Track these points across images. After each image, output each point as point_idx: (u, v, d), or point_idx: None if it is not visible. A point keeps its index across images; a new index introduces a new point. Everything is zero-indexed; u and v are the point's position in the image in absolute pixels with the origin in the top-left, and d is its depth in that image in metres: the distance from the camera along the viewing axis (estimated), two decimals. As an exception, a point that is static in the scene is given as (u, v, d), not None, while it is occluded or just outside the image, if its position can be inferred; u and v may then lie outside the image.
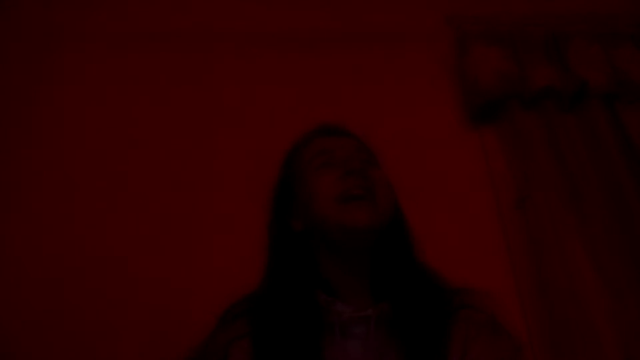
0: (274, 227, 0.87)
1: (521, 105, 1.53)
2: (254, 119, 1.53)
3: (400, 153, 0.92)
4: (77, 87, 1.55)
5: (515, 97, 1.52)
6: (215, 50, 1.64)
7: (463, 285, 0.82)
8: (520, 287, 1.34)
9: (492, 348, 0.73)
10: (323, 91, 1.59)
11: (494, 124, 1.57)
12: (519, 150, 1.48)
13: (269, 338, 0.74)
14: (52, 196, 1.37)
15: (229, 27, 1.69)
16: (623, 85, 1.54)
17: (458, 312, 0.77)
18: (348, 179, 0.78)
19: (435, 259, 0.84)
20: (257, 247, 0.87)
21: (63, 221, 1.34)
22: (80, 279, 1.26)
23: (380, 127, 0.93)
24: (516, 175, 1.47)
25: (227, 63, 1.62)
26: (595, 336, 1.23)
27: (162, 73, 1.59)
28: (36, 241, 1.31)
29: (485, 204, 1.46)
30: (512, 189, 1.47)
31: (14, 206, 1.36)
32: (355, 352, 0.74)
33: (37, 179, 1.40)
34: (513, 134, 1.51)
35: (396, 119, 1.54)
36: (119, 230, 1.34)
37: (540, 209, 1.39)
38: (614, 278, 1.31)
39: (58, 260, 1.28)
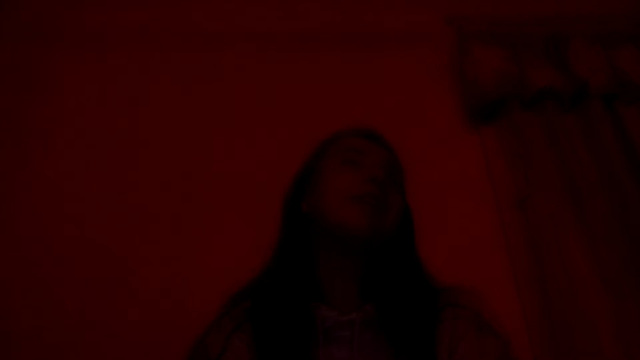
0: (288, 206, 0.88)
1: (521, 106, 1.53)
2: (254, 119, 1.53)
3: (400, 153, 0.92)
4: (77, 88, 1.55)
5: (515, 97, 1.52)
6: (217, 51, 1.64)
7: (458, 284, 0.82)
8: (520, 287, 1.34)
9: (479, 345, 0.74)
10: (322, 91, 1.59)
11: (494, 124, 1.57)
12: (519, 150, 1.48)
13: (264, 337, 0.75)
14: (52, 196, 1.37)
15: (231, 27, 1.69)
16: (623, 86, 1.54)
17: (444, 310, 0.77)
18: (369, 184, 0.78)
19: (435, 258, 0.84)
20: (257, 246, 0.88)
21: (63, 221, 1.34)
22: (79, 279, 1.26)
23: (380, 126, 0.93)
24: (516, 175, 1.47)
25: (227, 63, 1.62)
26: (595, 336, 1.23)
27: (163, 73, 1.59)
28: (36, 241, 1.31)
29: (485, 204, 1.46)
30: (512, 189, 1.47)
31: (14, 206, 1.36)
32: (341, 355, 0.74)
33: (36, 179, 1.40)
34: (513, 134, 1.50)
35: (396, 118, 1.54)
36: (119, 230, 1.34)
37: (540, 209, 1.39)
38: (614, 278, 1.31)
39: (57, 260, 1.29)
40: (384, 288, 0.78)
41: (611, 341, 1.23)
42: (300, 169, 0.91)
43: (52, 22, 1.63)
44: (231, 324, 0.79)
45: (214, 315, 0.83)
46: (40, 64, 1.57)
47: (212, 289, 0.86)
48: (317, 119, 0.95)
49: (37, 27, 1.62)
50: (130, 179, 1.41)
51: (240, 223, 1.32)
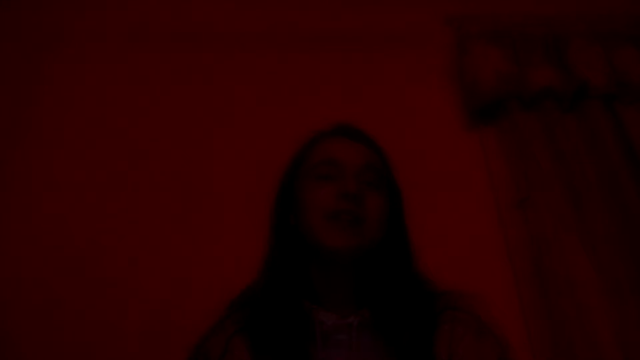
0: (274, 217, 0.88)
1: (521, 106, 1.53)
2: (252, 120, 1.53)
3: (400, 153, 0.92)
4: (77, 87, 1.55)
5: (515, 97, 1.52)
6: (217, 51, 1.64)
7: (458, 287, 0.82)
8: (520, 287, 1.34)
9: (478, 348, 0.74)
10: (322, 91, 1.59)
11: (494, 124, 1.57)
12: (518, 150, 1.48)
13: (261, 340, 0.75)
14: (52, 196, 1.37)
15: (231, 27, 1.69)
16: (623, 86, 1.54)
17: (443, 313, 0.77)
18: (342, 201, 0.77)
19: (434, 259, 0.84)
20: (256, 248, 0.88)
21: (62, 221, 1.34)
22: (80, 280, 1.26)
23: (380, 127, 0.93)
24: (516, 175, 1.47)
25: (227, 63, 1.62)
26: (594, 336, 1.23)
27: (163, 73, 1.59)
28: (36, 241, 1.31)
29: (485, 204, 1.46)
30: (512, 189, 1.47)
31: (14, 206, 1.36)
32: (339, 358, 0.74)
33: (36, 179, 1.40)
34: (513, 134, 1.50)
35: (396, 119, 1.54)
36: (119, 231, 1.34)
37: (540, 209, 1.39)
38: (614, 278, 1.31)
39: (57, 260, 1.29)
40: (377, 292, 0.78)
41: (611, 341, 1.23)
42: (282, 179, 0.90)
43: (52, 22, 1.63)
44: (232, 327, 0.79)
45: (215, 317, 0.83)
46: (40, 63, 1.57)
47: (214, 291, 0.86)
48: (317, 120, 0.94)
49: (37, 27, 1.62)
50: (131, 179, 1.41)
51: (243, 225, 1.31)
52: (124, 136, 1.48)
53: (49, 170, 1.41)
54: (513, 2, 1.72)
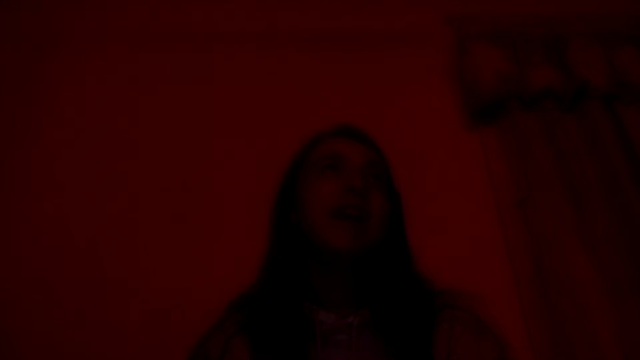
0: (274, 216, 0.88)
1: (521, 106, 1.53)
2: (252, 120, 1.53)
3: (399, 153, 0.92)
4: (77, 87, 1.55)
5: (515, 97, 1.52)
6: (215, 50, 1.64)
7: (457, 286, 0.82)
8: (520, 287, 1.34)
9: (477, 347, 0.74)
10: (322, 91, 1.59)
11: (493, 124, 1.57)
12: (518, 150, 1.48)
13: (261, 341, 0.75)
14: (52, 196, 1.37)
15: (232, 27, 1.69)
16: (623, 86, 1.54)
17: (442, 312, 0.77)
18: (348, 195, 0.77)
19: (434, 259, 0.84)
20: (256, 248, 0.88)
21: (62, 222, 1.34)
22: (80, 280, 1.26)
23: (379, 127, 0.93)
24: (516, 175, 1.47)
25: (226, 63, 1.62)
26: (594, 336, 1.23)
27: (162, 73, 1.59)
28: (35, 242, 1.31)
29: (485, 204, 1.47)
30: (512, 189, 1.47)
31: (14, 206, 1.36)
32: (339, 358, 0.74)
33: (36, 179, 1.40)
34: (513, 134, 1.50)
35: (396, 119, 1.54)
36: (119, 231, 1.34)
37: (540, 209, 1.39)
38: (614, 278, 1.31)
39: (57, 260, 1.29)
40: (377, 291, 0.78)
41: (611, 341, 1.23)
42: (283, 178, 0.90)
43: (52, 22, 1.63)
44: (231, 328, 0.79)
45: (214, 316, 0.83)
46: (40, 63, 1.57)
47: (214, 291, 0.86)
48: (317, 120, 0.94)
49: (37, 27, 1.62)
50: (131, 179, 1.41)
51: (243, 225, 1.31)
52: (124, 136, 1.48)
53: (49, 170, 1.41)
54: (513, 2, 1.72)
